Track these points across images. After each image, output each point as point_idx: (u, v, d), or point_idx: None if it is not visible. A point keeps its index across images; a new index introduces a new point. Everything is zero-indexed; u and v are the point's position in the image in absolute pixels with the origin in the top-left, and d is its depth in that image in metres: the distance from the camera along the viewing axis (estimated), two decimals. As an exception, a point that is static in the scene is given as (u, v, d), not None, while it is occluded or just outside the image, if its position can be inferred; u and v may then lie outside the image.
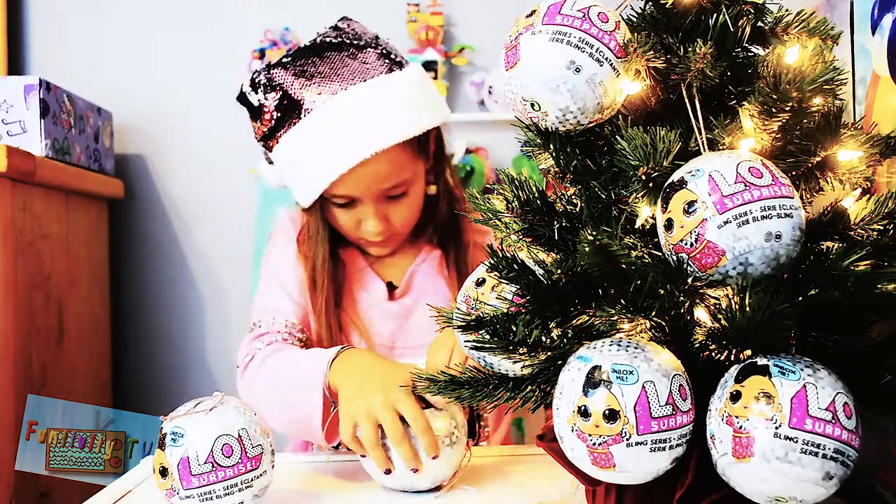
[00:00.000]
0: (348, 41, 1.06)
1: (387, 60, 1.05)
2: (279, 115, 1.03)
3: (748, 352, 0.56)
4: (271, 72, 1.04)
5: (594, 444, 0.55)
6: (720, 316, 0.54)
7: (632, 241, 0.60)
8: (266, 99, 1.04)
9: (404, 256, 1.17)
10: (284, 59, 1.05)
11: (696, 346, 0.59)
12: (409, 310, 1.13)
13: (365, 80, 1.02)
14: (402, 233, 1.13)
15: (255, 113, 1.06)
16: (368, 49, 1.05)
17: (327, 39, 1.07)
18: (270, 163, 1.12)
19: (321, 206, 1.10)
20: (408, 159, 1.05)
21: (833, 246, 0.58)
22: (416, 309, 1.13)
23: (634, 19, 0.64)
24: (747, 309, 0.51)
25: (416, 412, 0.80)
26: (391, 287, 1.15)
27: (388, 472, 0.81)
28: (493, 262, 0.63)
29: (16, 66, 2.20)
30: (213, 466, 0.70)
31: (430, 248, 1.18)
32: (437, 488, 0.84)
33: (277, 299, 1.13)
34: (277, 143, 1.05)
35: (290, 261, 1.15)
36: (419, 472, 0.80)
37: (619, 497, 0.66)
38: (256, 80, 1.05)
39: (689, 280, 0.56)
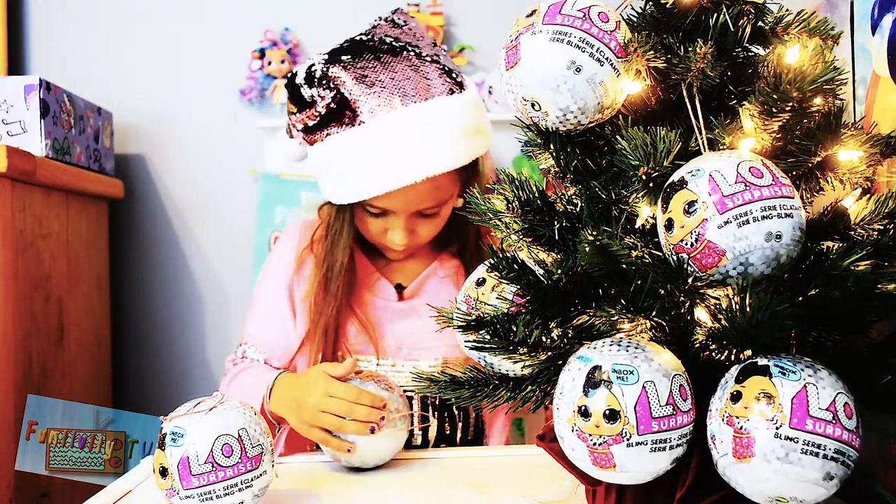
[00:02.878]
0: (410, 47, 1.04)
1: (448, 80, 1.02)
2: (328, 113, 1.01)
3: (748, 352, 0.56)
4: (330, 69, 1.01)
5: (594, 444, 0.55)
6: (720, 316, 0.54)
7: (632, 241, 0.60)
8: (320, 96, 1.01)
9: (418, 263, 1.17)
10: (344, 57, 1.02)
11: (697, 346, 0.59)
12: (417, 311, 1.13)
13: (426, 100, 1.00)
14: (423, 245, 1.13)
15: (302, 104, 1.04)
16: (430, 63, 1.03)
17: (387, 39, 1.04)
18: (291, 137, 1.11)
19: (350, 212, 1.10)
20: (451, 183, 1.05)
21: (833, 246, 0.58)
22: (425, 311, 1.12)
23: (635, 19, 0.64)
24: (748, 309, 0.51)
25: (345, 387, 0.92)
26: (400, 288, 1.15)
27: (349, 450, 0.92)
28: (493, 261, 0.63)
29: (16, 66, 2.20)
30: (213, 466, 0.70)
31: (447, 257, 1.17)
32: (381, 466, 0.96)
33: (262, 327, 1.14)
34: (322, 140, 1.03)
35: (284, 283, 1.14)
36: (374, 433, 0.91)
37: (620, 497, 0.65)
38: (312, 74, 1.02)
39: (690, 280, 0.56)
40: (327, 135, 1.02)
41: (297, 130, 1.06)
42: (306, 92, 1.02)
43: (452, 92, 1.01)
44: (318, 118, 1.02)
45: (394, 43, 1.04)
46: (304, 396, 0.93)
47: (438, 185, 1.02)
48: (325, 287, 1.10)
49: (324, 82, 1.01)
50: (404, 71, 1.01)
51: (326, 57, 1.02)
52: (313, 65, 1.02)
